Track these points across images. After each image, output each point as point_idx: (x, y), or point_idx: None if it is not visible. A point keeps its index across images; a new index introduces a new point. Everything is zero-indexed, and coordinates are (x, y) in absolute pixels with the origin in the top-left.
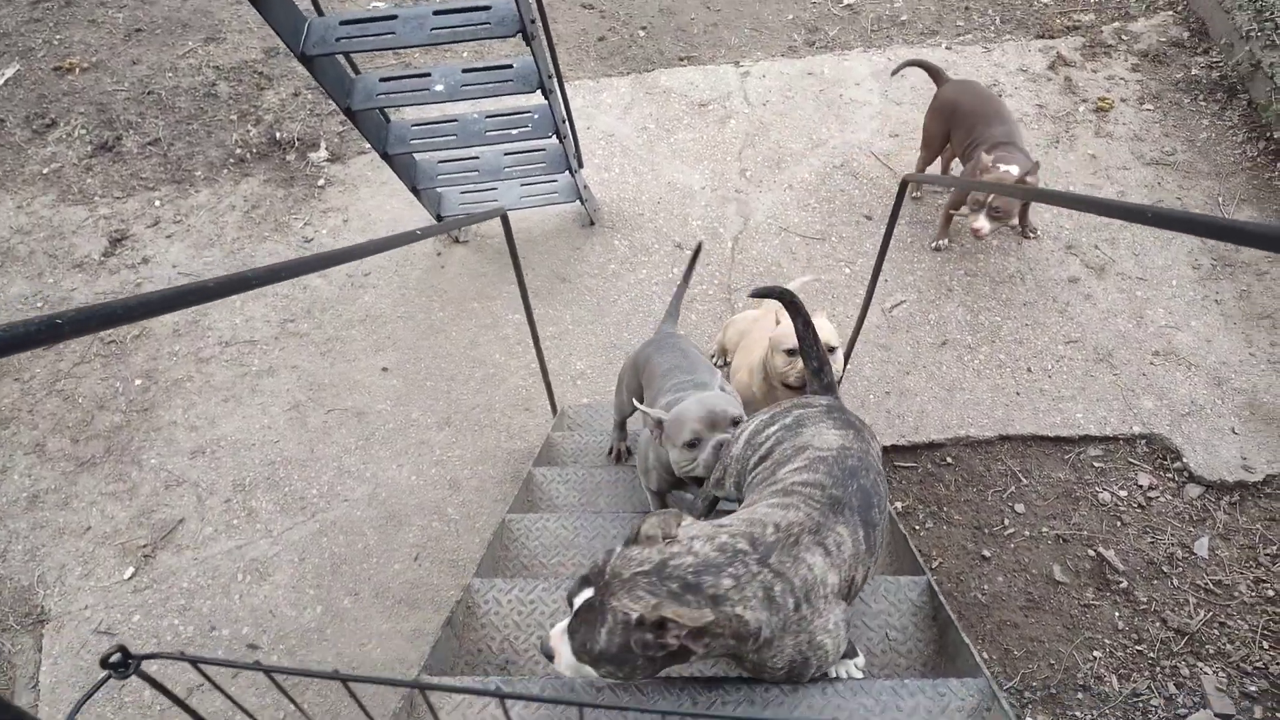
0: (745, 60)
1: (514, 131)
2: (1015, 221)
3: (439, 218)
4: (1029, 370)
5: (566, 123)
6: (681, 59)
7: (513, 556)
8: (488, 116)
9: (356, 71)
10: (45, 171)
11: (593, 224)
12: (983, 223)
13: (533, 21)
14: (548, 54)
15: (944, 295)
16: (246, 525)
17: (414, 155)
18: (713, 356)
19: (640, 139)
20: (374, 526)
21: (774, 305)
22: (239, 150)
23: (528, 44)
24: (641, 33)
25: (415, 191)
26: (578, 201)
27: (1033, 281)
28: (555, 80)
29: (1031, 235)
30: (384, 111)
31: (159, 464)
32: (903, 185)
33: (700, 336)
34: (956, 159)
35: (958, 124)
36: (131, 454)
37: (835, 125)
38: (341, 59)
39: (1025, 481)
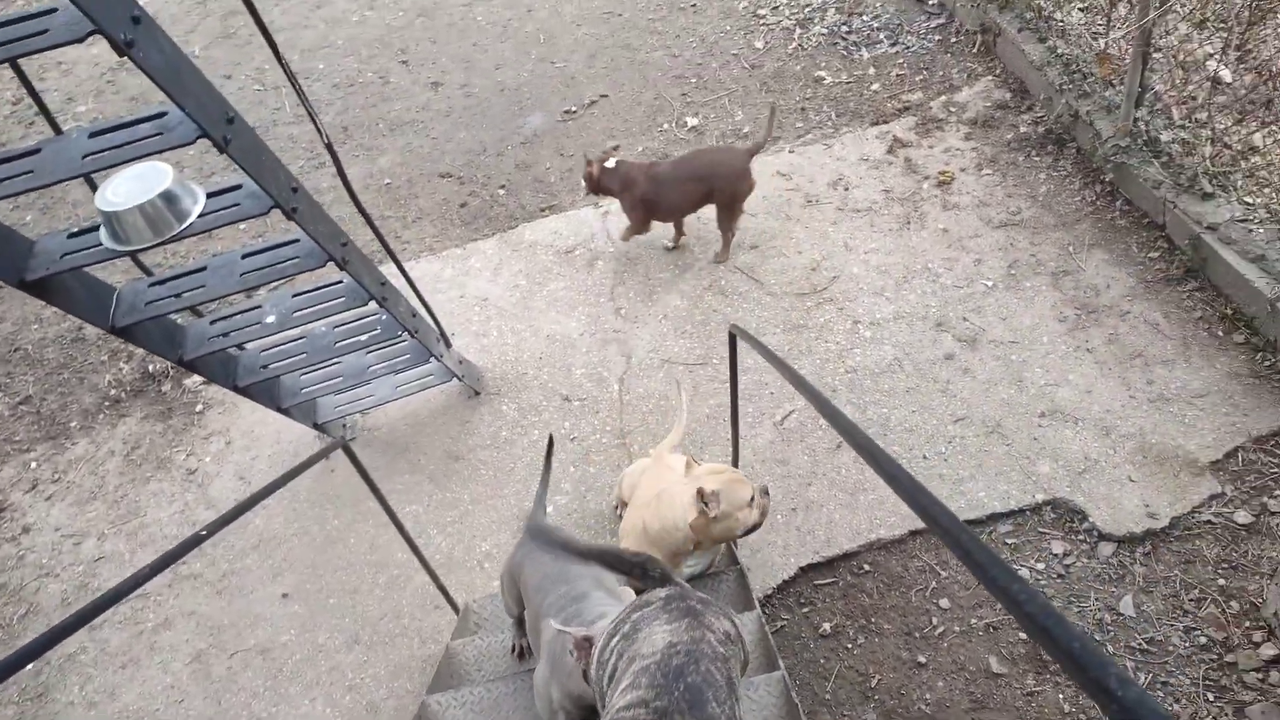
0: (604, 200)
1: (364, 338)
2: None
3: (317, 425)
4: (924, 457)
5: (417, 316)
6: (543, 209)
7: None
8: (335, 327)
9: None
10: None
11: (478, 394)
12: None
13: (344, 245)
14: (376, 267)
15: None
16: None
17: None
18: (615, 508)
19: (513, 297)
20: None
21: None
22: (113, 391)
23: (342, 268)
24: (501, 191)
25: (282, 411)
26: (455, 380)
27: (910, 366)
28: (389, 287)
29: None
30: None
31: None
32: (732, 337)
33: (600, 488)
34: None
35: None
36: None
37: (698, 248)
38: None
39: (944, 574)
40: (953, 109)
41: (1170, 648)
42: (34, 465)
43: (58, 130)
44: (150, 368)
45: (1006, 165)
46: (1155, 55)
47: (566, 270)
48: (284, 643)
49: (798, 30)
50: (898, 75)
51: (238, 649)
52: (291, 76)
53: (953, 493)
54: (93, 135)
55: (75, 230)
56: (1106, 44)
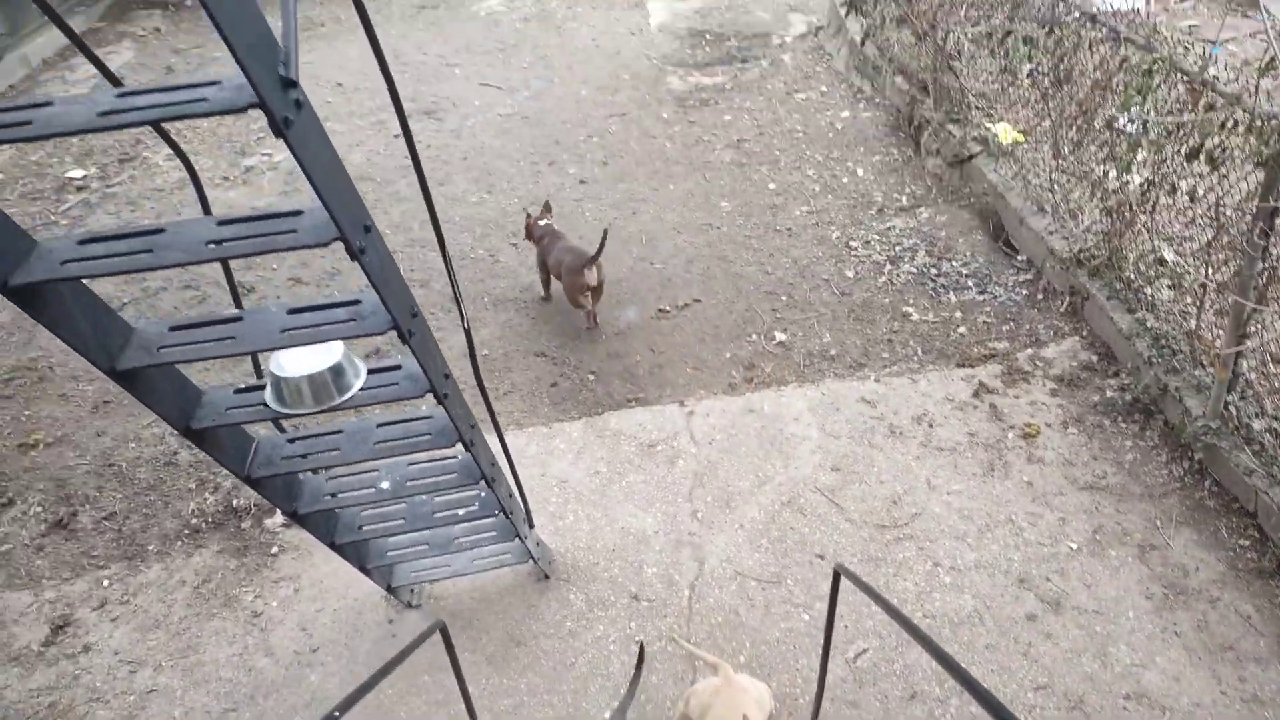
0: (689, 399)
1: (461, 512)
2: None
3: (390, 588)
4: None
5: (513, 496)
6: (630, 400)
7: None
8: (435, 497)
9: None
10: None
11: (548, 578)
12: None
13: (473, 426)
14: (492, 449)
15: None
16: None
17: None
18: None
19: (593, 484)
20: None
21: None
22: (195, 520)
23: (468, 450)
24: (591, 376)
25: (365, 570)
26: (529, 561)
27: (991, 621)
28: (497, 468)
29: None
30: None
31: None
32: (836, 576)
33: (660, 700)
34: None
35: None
36: None
37: (779, 462)
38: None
39: None
40: (1039, 363)
41: None
42: (106, 583)
43: (207, 208)
44: (235, 502)
45: (1092, 427)
46: (1248, 343)
47: (647, 464)
48: None
49: (888, 266)
50: (984, 322)
51: None
52: (447, 255)
53: None
54: (291, 312)
55: (241, 387)
56: (1197, 325)
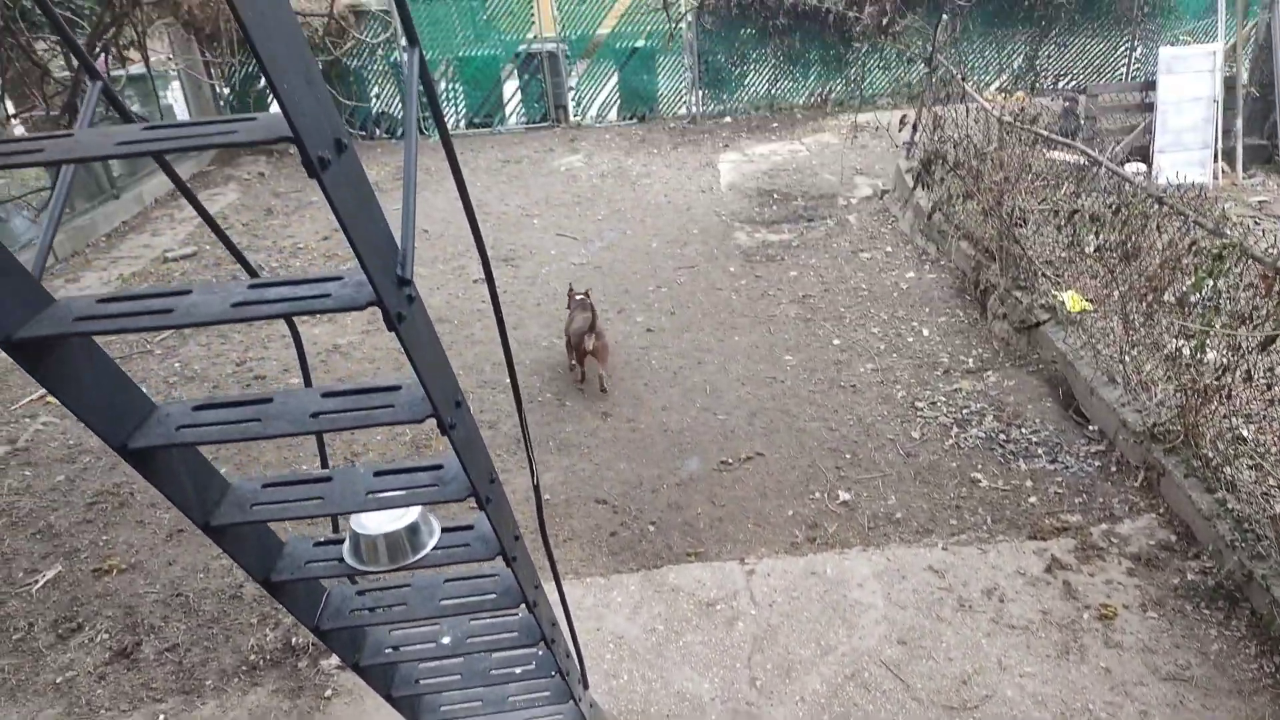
0: (750, 557)
1: (517, 670)
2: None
3: None
4: None
5: (570, 657)
6: (689, 554)
7: None
8: (492, 654)
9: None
10: (58, 681)
11: None
12: None
13: (536, 587)
14: (551, 606)
15: None
16: None
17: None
18: None
19: (649, 641)
20: None
21: None
22: (253, 656)
23: (530, 611)
24: (651, 528)
25: None
26: None
27: None
28: (557, 628)
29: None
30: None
31: None
32: None
33: None
34: None
35: None
36: None
37: (842, 630)
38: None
39: None
40: (1114, 540)
41: None
42: (161, 718)
43: (308, 379)
44: (293, 640)
45: (1173, 612)
46: None
47: (705, 624)
48: None
49: (955, 429)
50: (1056, 493)
51: None
52: (521, 406)
53: None
54: (377, 474)
55: (321, 540)
56: None
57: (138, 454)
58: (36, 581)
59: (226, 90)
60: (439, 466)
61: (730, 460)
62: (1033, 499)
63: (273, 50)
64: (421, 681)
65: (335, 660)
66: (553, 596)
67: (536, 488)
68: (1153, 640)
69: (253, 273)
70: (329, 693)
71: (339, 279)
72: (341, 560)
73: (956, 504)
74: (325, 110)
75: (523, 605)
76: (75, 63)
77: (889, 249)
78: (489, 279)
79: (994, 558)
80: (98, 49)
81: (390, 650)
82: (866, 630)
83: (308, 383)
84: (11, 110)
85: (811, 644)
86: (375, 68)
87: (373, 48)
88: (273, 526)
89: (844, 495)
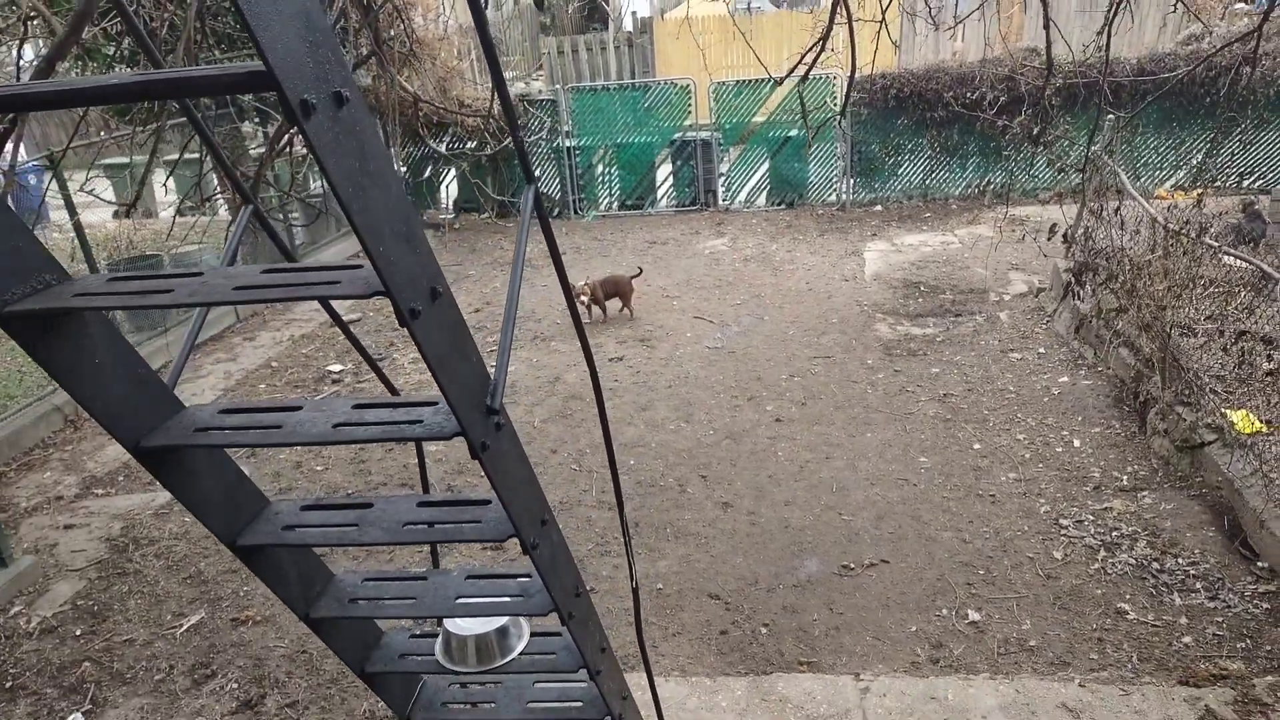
0: (865, 673)
1: None
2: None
3: None
4: None
5: None
6: (801, 663)
7: None
8: None
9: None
10: None
11: None
12: None
13: (624, 699)
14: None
15: None
16: None
17: None
18: None
19: None
20: None
21: None
22: None
23: (593, 678)
24: (764, 630)
25: None
26: None
27: None
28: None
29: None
30: None
31: None
32: None
33: None
34: None
35: None
36: None
37: None
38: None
39: None
40: None
41: None
42: None
43: (425, 486)
44: None
45: None
46: None
47: None
48: None
49: (1102, 552)
50: (1215, 635)
51: None
52: (616, 480)
53: None
54: (469, 578)
55: (416, 633)
56: None
57: (246, 550)
58: (181, 625)
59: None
60: (528, 576)
61: (852, 565)
62: (1187, 639)
63: (370, 220)
64: None
65: None
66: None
67: (635, 593)
68: None
69: (394, 391)
70: None
71: (434, 404)
72: (433, 656)
73: (1099, 636)
74: (423, 264)
75: (607, 718)
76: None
77: (1041, 350)
78: (595, 384)
79: (1138, 701)
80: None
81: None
82: None
83: (425, 489)
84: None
85: None
86: (539, 151)
87: (538, 137)
88: None
89: (973, 615)
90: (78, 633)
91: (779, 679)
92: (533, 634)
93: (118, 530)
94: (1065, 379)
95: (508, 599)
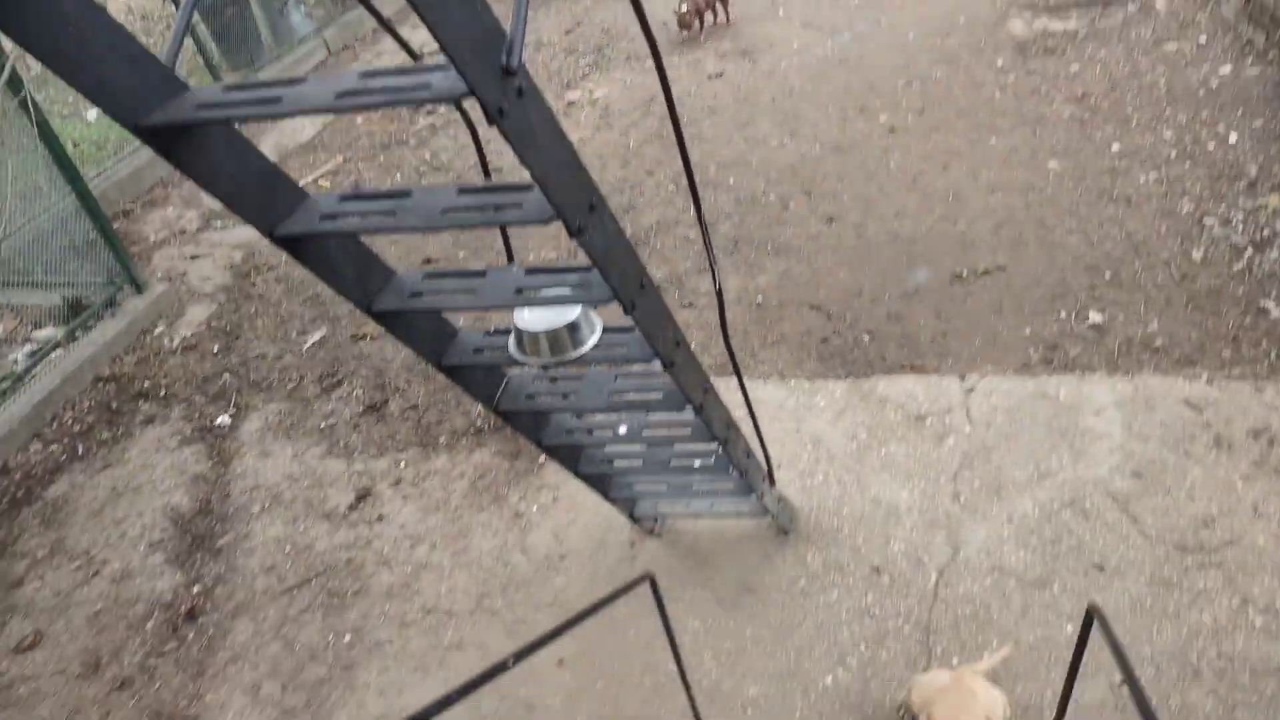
0: (971, 374)
1: (696, 463)
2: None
3: (632, 516)
4: None
5: (751, 456)
6: (904, 366)
7: None
8: (673, 446)
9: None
10: (322, 425)
11: (787, 533)
12: None
13: (705, 391)
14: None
15: (1190, 677)
16: None
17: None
18: (899, 713)
19: (849, 447)
20: None
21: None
22: (479, 421)
23: (697, 414)
24: (866, 337)
25: (609, 499)
26: (767, 516)
27: None
28: (734, 429)
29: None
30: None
31: None
32: (1088, 616)
33: (887, 678)
34: None
35: None
36: (326, 711)
37: (1067, 456)
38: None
39: None
40: None
41: None
42: (402, 465)
43: (486, 171)
44: None
45: None
46: None
47: (911, 436)
48: (547, 704)
49: (1249, 250)
50: None
51: (508, 695)
52: (695, 192)
53: None
54: (529, 272)
55: (490, 330)
56: None
57: (286, 241)
58: (306, 341)
59: None
60: (589, 269)
61: (965, 273)
62: None
63: None
64: (609, 463)
65: None
66: (738, 397)
67: (719, 291)
68: None
69: (413, 56)
70: (542, 459)
71: (443, 68)
72: (506, 351)
73: (1234, 335)
74: None
75: (689, 407)
76: None
77: (1202, 39)
78: (665, 89)
79: (1271, 396)
80: None
81: (574, 432)
82: (1096, 459)
83: (485, 174)
84: None
85: (1029, 466)
86: None
87: None
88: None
89: (1095, 317)
90: (215, 349)
91: (879, 380)
92: (605, 329)
93: (239, 259)
94: (1227, 69)
95: (567, 289)
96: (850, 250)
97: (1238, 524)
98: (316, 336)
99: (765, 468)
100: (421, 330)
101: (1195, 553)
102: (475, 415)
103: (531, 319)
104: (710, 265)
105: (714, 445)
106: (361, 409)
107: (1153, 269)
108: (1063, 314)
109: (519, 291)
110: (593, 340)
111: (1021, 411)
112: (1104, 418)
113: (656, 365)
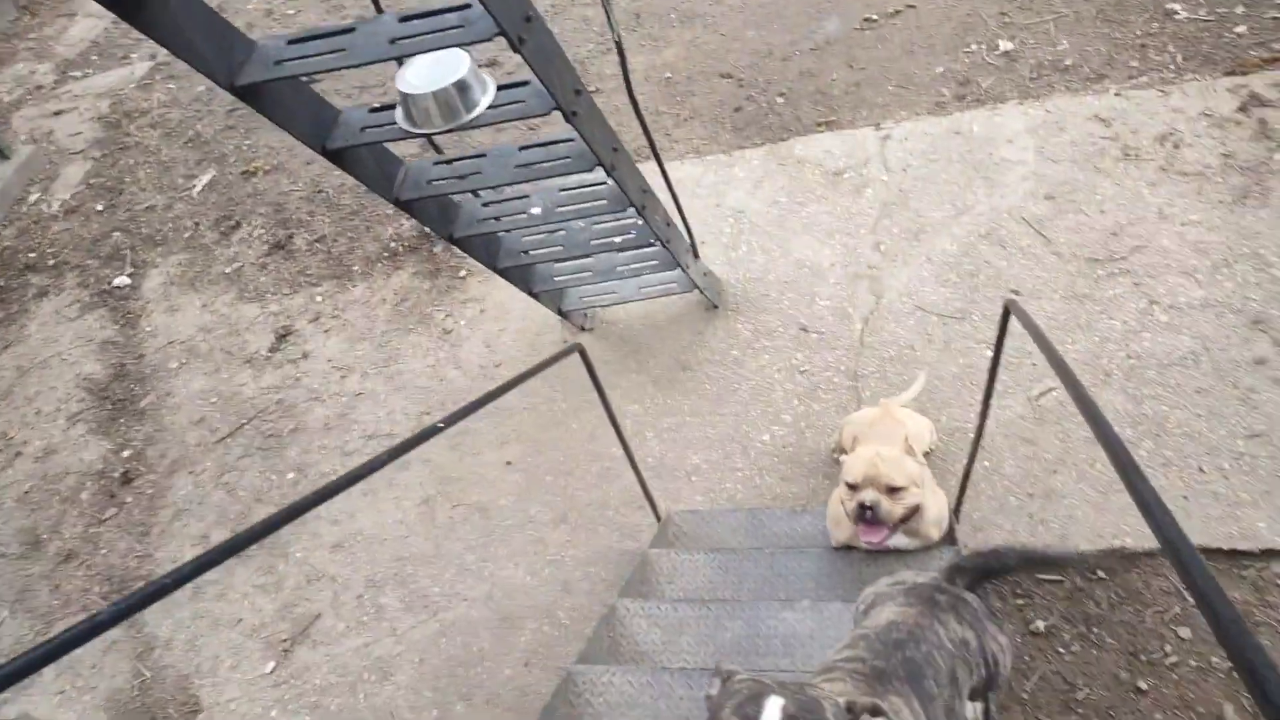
0: (886, 122)
1: (618, 240)
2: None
3: (561, 312)
4: (1200, 470)
5: (672, 225)
6: (819, 124)
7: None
8: (592, 225)
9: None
10: (228, 271)
11: (716, 307)
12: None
13: (615, 150)
14: (640, 174)
15: (1101, 380)
16: (375, 623)
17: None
18: (833, 453)
19: (770, 214)
20: (489, 629)
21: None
22: (393, 244)
23: (609, 174)
24: (780, 99)
25: (533, 294)
26: (695, 290)
27: (1209, 364)
28: (650, 195)
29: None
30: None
31: (303, 557)
32: (1005, 312)
33: (821, 427)
34: None
35: None
36: (281, 547)
37: (983, 189)
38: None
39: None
40: None
41: None
42: (319, 299)
43: (379, 8)
44: (428, 229)
45: None
46: None
47: (831, 194)
48: (500, 506)
49: None
50: (1273, 18)
51: (460, 502)
52: None
53: (1225, 515)
54: (402, 20)
55: (376, 106)
56: None
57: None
58: (195, 186)
59: None
60: (466, 6)
61: (875, 16)
62: (1241, 28)
63: None
64: (528, 253)
65: None
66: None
67: (618, 43)
68: None
69: None
70: (464, 273)
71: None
72: (396, 124)
73: (1142, 43)
74: None
75: (599, 168)
76: None
77: None
78: None
79: (1176, 100)
80: None
81: (486, 220)
82: (1010, 188)
83: (378, 10)
84: None
85: (946, 206)
86: None
87: None
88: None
89: (1005, 45)
90: (99, 208)
91: (796, 143)
92: (500, 87)
93: (106, 108)
94: None
95: (446, 30)
96: (757, 8)
97: (1145, 230)
98: (205, 179)
99: (688, 239)
100: (295, 109)
101: (1105, 263)
102: (388, 238)
103: (416, 81)
104: (609, 22)
105: (632, 214)
106: (266, 248)
107: None
108: (974, 46)
109: (394, 42)
110: (485, 100)
111: (937, 152)
112: (1017, 146)
113: (568, 130)
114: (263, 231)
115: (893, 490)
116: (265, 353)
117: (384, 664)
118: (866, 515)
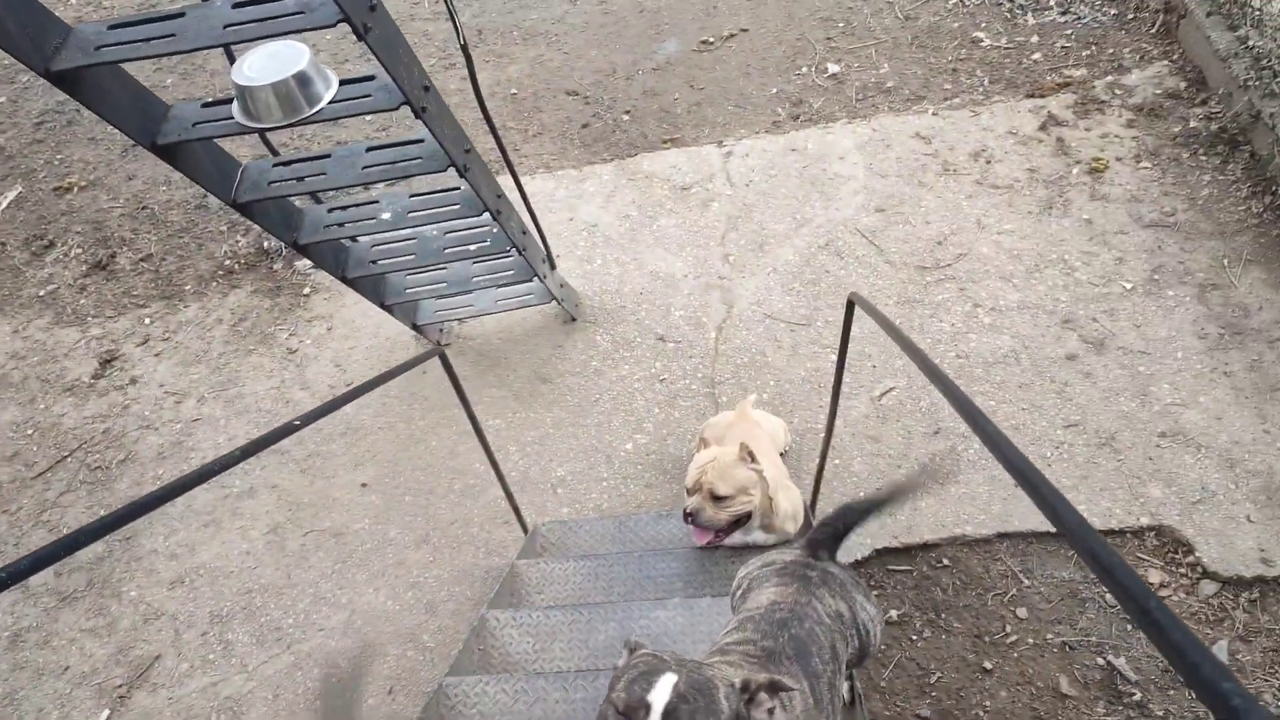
0: (728, 139)
1: (473, 248)
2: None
3: (415, 326)
4: None
5: (527, 234)
6: (665, 141)
7: None
8: (446, 233)
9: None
10: (42, 294)
11: (574, 320)
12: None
13: (467, 151)
14: (494, 179)
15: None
16: (222, 660)
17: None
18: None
19: (623, 228)
20: (349, 658)
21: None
22: (228, 261)
23: (462, 175)
24: (625, 117)
25: (385, 308)
26: (553, 302)
27: (1028, 360)
28: (505, 200)
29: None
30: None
31: (138, 596)
32: (850, 305)
33: (681, 434)
34: None
35: None
36: (112, 586)
37: (819, 203)
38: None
39: (1027, 583)
40: (1118, 91)
41: (1262, 702)
42: (148, 321)
43: None
44: (265, 244)
45: (1168, 161)
46: None
47: (679, 208)
48: (357, 530)
49: None
50: (1063, 47)
51: (313, 528)
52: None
53: None
54: (236, 6)
55: (210, 100)
56: None
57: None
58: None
59: None
60: None
61: (711, 39)
62: (1037, 55)
63: None
64: (378, 262)
65: (310, 261)
66: (506, 183)
67: (464, 47)
68: (1140, 190)
69: None
70: (307, 290)
71: None
72: (232, 119)
73: (954, 67)
74: None
75: (451, 169)
76: None
77: None
78: None
79: (986, 119)
80: None
81: (331, 227)
82: (844, 201)
83: None
84: None
85: (787, 219)
86: None
87: None
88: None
89: (833, 68)
90: None
91: (644, 158)
92: (342, 81)
93: None
94: None
95: (285, 17)
96: (599, 28)
97: (966, 239)
98: (11, 195)
99: (544, 249)
100: (119, 101)
101: (933, 270)
102: (222, 255)
103: (253, 73)
104: (454, 26)
105: (487, 220)
106: (85, 269)
107: (880, 13)
108: (804, 69)
109: (228, 27)
110: (328, 94)
111: (776, 168)
112: (848, 162)
113: (417, 131)
114: (80, 251)
115: (717, 499)
116: (88, 380)
117: (234, 703)
118: (688, 520)
